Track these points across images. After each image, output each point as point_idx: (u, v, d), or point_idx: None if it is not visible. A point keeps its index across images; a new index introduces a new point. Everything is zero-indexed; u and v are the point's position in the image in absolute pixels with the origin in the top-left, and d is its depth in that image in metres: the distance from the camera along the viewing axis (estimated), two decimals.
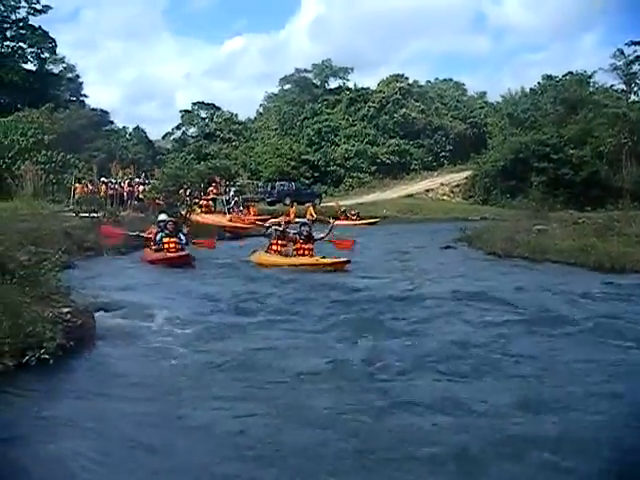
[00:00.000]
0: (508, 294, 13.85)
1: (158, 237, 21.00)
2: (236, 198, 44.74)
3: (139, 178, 42.86)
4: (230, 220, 36.86)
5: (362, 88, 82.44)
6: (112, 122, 76.45)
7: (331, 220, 36.30)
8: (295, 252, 19.87)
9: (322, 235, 20.62)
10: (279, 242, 20.60)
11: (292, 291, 15.10)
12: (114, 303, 11.72)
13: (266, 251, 20.76)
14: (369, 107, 78.48)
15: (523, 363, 8.71)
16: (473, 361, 8.73)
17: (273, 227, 21.17)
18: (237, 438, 6.22)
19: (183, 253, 20.39)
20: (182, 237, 21.10)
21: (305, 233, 19.93)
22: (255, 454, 5.87)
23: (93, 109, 71.19)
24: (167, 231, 21.03)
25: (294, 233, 20.16)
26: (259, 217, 40.29)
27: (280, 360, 8.79)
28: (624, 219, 24.60)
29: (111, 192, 36.80)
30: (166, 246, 20.68)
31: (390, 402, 7.13)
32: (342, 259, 19.22)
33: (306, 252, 19.68)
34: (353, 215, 47.92)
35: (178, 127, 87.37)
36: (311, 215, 44.48)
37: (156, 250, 20.86)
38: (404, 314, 11.91)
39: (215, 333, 10.17)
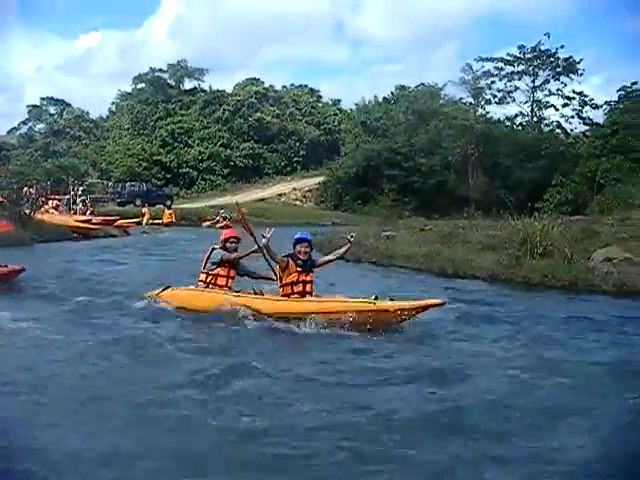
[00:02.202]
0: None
1: None
2: (83, 197, 43.73)
3: None
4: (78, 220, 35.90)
5: (217, 90, 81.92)
6: None
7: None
8: (288, 288, 11.41)
9: (329, 257, 12.21)
10: (228, 269, 12.25)
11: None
12: None
13: (206, 282, 12.18)
14: (224, 110, 78.02)
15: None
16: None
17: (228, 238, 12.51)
18: None
19: (16, 267, 14.78)
20: None
21: (304, 256, 11.52)
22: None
23: None
24: None
25: (284, 256, 11.54)
26: (109, 217, 39.43)
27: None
28: (468, 227, 25.31)
29: None
30: None
31: None
32: (436, 300, 10.95)
33: (307, 288, 11.44)
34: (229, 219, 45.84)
35: (25, 122, 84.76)
36: (169, 218, 43.74)
37: None
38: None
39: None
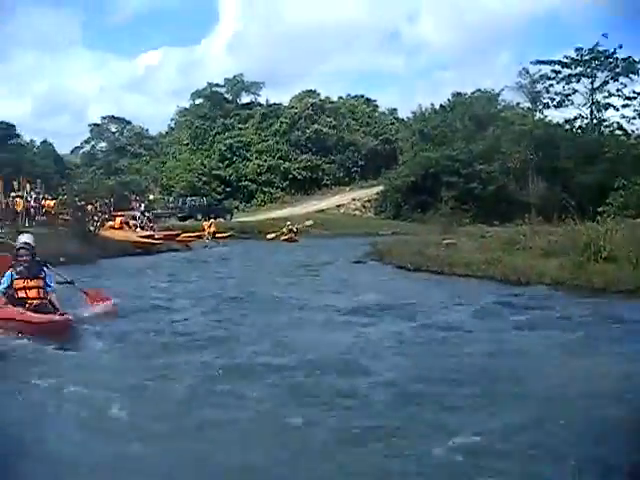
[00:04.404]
0: (411, 306, 13.93)
1: (5, 277, 11.21)
2: (147, 213, 44.36)
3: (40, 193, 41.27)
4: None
5: (274, 104, 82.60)
6: (19, 136, 74.97)
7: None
8: None
9: None
10: None
11: None
12: None
13: None
14: (281, 122, 78.54)
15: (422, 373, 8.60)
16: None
17: None
18: None
19: (57, 317, 10.79)
20: (48, 276, 11.47)
21: None
22: None
23: None
24: (20, 267, 11.27)
25: None
26: (171, 232, 39.98)
27: None
28: (530, 233, 25.09)
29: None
30: (21, 294, 11.17)
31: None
32: None
33: None
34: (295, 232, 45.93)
35: (87, 141, 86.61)
36: (209, 230, 44.05)
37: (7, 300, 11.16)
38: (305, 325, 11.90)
39: None
